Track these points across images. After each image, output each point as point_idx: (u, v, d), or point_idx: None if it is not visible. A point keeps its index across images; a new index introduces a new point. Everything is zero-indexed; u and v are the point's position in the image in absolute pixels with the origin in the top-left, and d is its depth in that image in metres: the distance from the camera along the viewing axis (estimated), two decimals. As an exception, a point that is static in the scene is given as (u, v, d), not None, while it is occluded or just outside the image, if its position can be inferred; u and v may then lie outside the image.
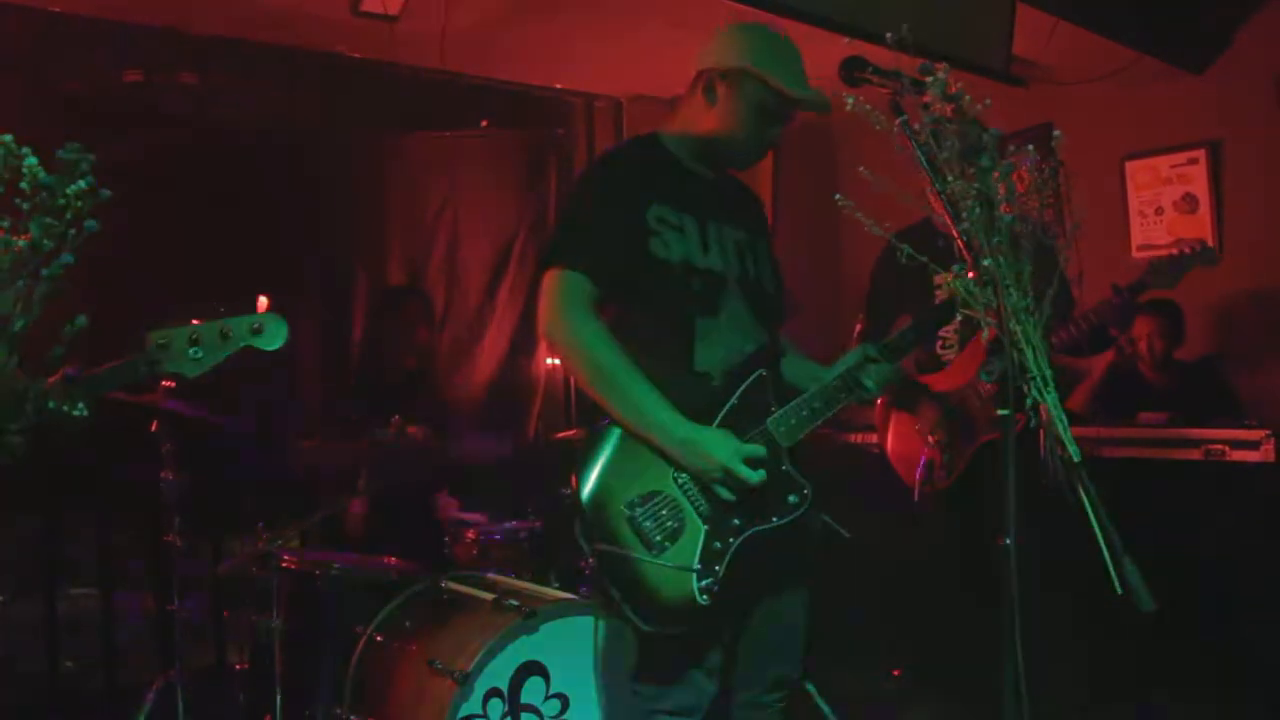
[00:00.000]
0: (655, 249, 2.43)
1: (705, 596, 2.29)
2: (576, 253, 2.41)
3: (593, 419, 2.40)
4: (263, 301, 2.23)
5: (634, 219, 2.44)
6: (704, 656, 2.42)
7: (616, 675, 2.53)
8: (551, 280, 2.41)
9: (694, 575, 2.29)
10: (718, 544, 2.33)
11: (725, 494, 2.33)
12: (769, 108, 2.52)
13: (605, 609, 2.45)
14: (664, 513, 2.32)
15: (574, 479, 2.32)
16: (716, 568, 2.31)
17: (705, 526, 2.33)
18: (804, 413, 2.48)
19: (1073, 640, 3.82)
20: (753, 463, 2.32)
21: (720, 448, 2.32)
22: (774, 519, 2.38)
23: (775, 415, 2.45)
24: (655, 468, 2.34)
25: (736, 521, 2.35)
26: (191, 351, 2.10)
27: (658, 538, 2.30)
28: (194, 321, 2.14)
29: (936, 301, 3.67)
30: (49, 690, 4.54)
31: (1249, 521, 3.97)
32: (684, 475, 2.34)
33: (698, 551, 2.31)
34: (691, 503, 2.34)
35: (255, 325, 2.15)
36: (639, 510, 2.30)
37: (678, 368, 2.42)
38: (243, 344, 2.15)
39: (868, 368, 2.54)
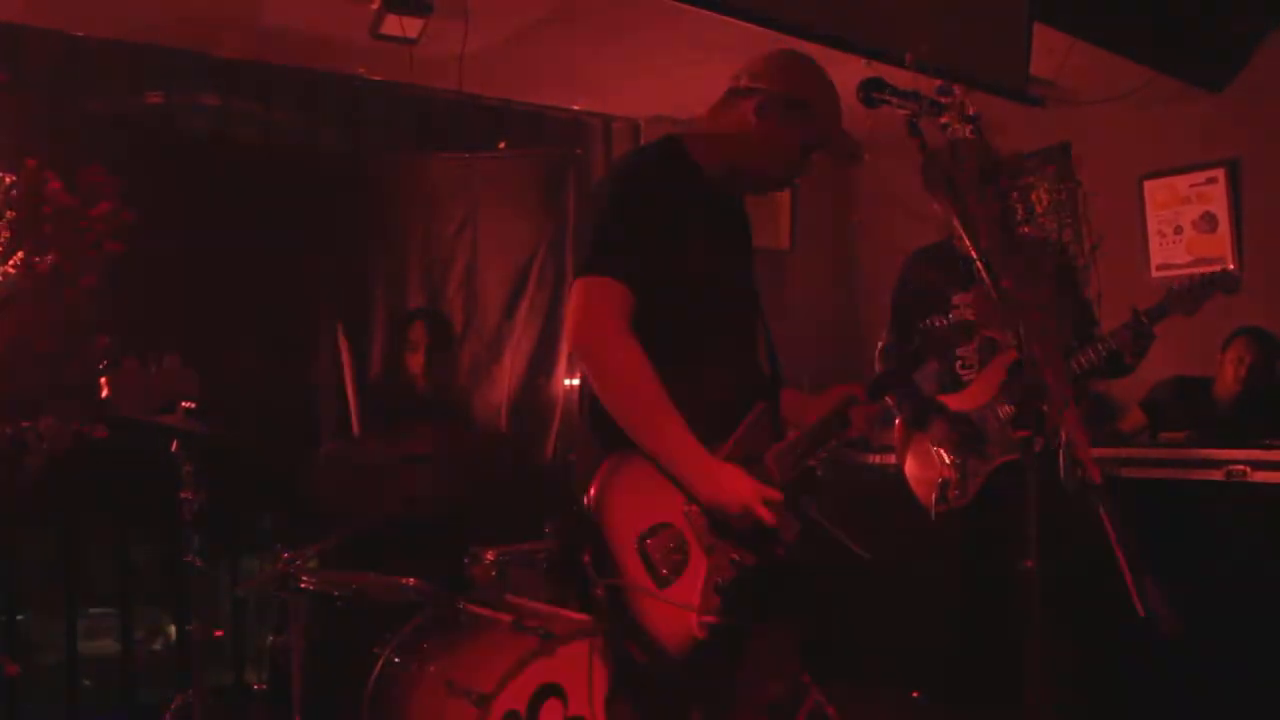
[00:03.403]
0: (687, 263, 2.35)
1: (704, 630, 2.23)
2: (616, 260, 2.27)
3: (606, 439, 2.29)
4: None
5: (668, 229, 2.33)
6: (695, 693, 2.39)
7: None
8: (587, 288, 2.27)
9: (694, 610, 2.23)
10: (719, 579, 2.29)
11: (735, 529, 2.29)
12: (813, 146, 2.49)
13: (608, 640, 2.40)
14: (671, 545, 2.25)
15: (588, 503, 2.22)
16: (716, 602, 2.26)
17: (708, 560, 2.29)
18: (799, 449, 2.48)
19: (1091, 663, 3.79)
20: (770, 505, 2.29)
21: (743, 484, 2.27)
22: (773, 555, 2.36)
23: (775, 450, 2.44)
24: (666, 497, 2.27)
25: (737, 558, 2.32)
26: None
27: (664, 571, 2.23)
28: None
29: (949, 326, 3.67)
30: (67, 710, 4.54)
31: (1272, 544, 3.94)
32: (693, 507, 2.28)
33: (700, 585, 2.26)
34: (697, 536, 2.28)
35: None
36: (649, 542, 2.23)
37: (692, 391, 2.29)
38: None
39: (855, 410, 2.57)
